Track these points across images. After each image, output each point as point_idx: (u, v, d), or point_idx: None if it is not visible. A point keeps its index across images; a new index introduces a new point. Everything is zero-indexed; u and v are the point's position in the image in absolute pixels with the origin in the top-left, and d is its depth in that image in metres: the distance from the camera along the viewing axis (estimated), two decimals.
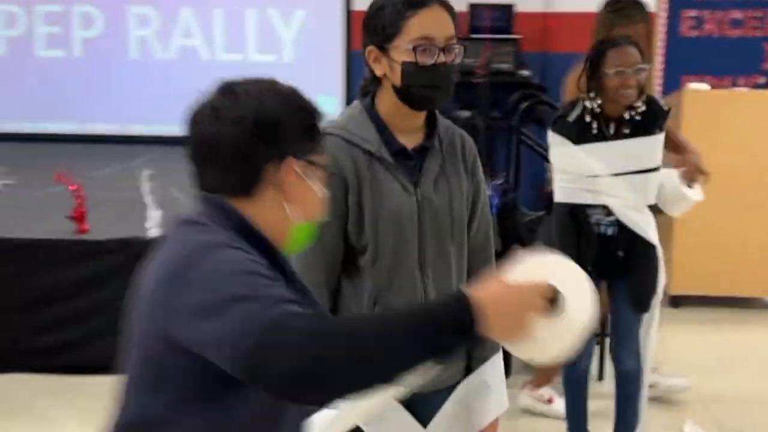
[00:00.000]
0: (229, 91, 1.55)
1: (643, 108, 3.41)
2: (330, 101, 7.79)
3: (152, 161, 6.39)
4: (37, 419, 4.13)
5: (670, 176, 3.61)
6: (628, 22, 3.75)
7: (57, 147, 7.62)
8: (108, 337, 4.51)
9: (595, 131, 3.39)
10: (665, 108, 3.48)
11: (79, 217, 4.57)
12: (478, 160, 2.27)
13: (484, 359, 2.26)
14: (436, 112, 2.22)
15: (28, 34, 7.90)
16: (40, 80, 7.83)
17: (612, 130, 3.42)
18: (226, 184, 1.54)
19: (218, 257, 1.40)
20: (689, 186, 3.63)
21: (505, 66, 7.21)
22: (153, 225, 4.55)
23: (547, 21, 7.54)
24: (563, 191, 3.51)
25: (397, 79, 2.06)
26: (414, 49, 2.02)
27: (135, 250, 4.52)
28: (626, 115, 3.40)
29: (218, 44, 7.80)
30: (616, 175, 3.41)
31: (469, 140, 2.27)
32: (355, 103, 2.17)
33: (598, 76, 3.36)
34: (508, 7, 7.42)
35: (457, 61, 2.08)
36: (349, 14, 7.69)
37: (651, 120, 3.43)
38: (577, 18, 7.58)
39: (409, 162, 2.13)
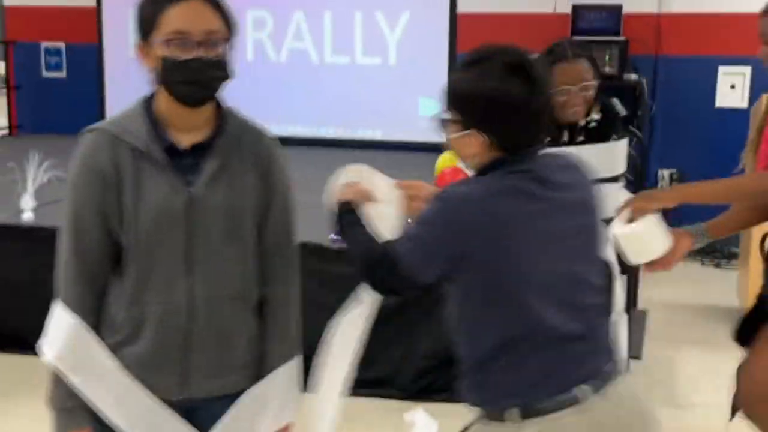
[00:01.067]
0: None
1: (598, 116, 3.17)
2: (433, 104, 7.72)
3: None
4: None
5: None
6: None
7: None
8: None
9: None
10: (621, 113, 3.21)
11: None
12: (276, 160, 2.17)
13: (272, 368, 2.18)
14: (227, 109, 2.17)
15: None
16: None
17: (566, 137, 3.19)
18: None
19: None
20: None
21: (608, 69, 6.87)
22: None
23: (660, 22, 7.12)
24: None
25: (158, 75, 2.03)
26: (166, 42, 1.98)
27: None
28: (581, 122, 3.17)
29: (327, 47, 7.93)
30: None
31: (267, 140, 2.17)
32: (138, 99, 2.15)
33: None
34: (616, 8, 7.07)
35: (221, 55, 2.02)
36: (455, 16, 7.60)
37: (607, 126, 3.18)
38: (694, 19, 7.15)
39: (186, 160, 2.08)
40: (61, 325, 2.07)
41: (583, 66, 3.05)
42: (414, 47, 7.70)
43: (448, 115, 2.03)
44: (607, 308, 2.11)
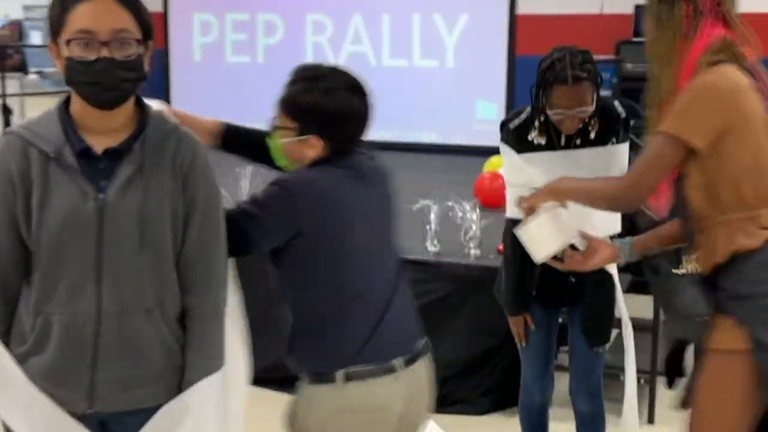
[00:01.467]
0: None
1: (597, 127, 2.97)
2: (491, 107, 7.57)
3: None
4: None
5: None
6: None
7: None
8: None
9: (535, 141, 3.01)
10: (622, 115, 3.00)
11: None
12: (198, 165, 2.05)
13: (191, 382, 2.07)
14: (153, 112, 2.08)
15: (220, 41, 8.40)
16: (228, 84, 8.30)
17: (563, 141, 3.01)
18: None
19: None
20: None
21: None
22: None
23: None
24: (511, 206, 3.14)
25: (66, 76, 1.96)
26: (71, 42, 1.91)
27: None
28: (579, 125, 2.98)
29: (385, 50, 7.86)
30: None
31: (189, 146, 2.04)
32: (57, 101, 2.08)
33: (541, 104, 2.96)
34: None
35: (131, 56, 1.94)
36: (513, 18, 7.42)
37: (606, 129, 2.98)
38: (762, 19, 6.79)
39: (101, 164, 2.00)
40: None
41: (583, 89, 2.83)
42: (472, 50, 7.55)
43: (284, 123, 2.29)
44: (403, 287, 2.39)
